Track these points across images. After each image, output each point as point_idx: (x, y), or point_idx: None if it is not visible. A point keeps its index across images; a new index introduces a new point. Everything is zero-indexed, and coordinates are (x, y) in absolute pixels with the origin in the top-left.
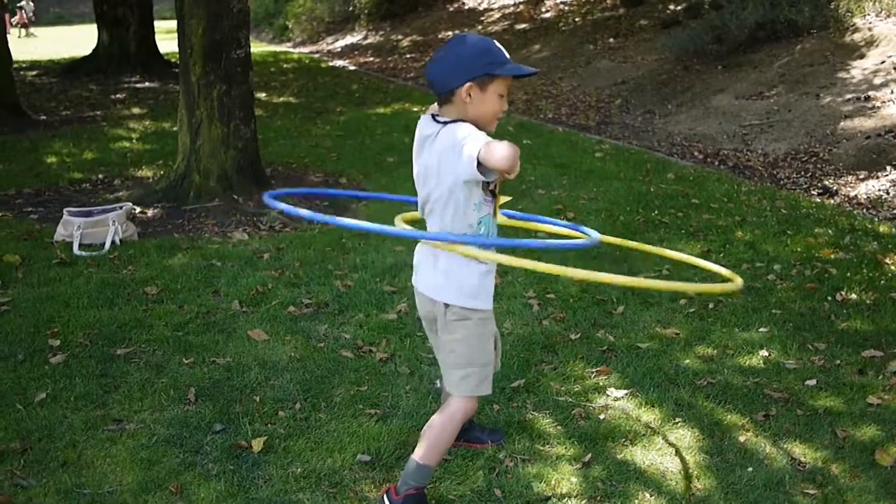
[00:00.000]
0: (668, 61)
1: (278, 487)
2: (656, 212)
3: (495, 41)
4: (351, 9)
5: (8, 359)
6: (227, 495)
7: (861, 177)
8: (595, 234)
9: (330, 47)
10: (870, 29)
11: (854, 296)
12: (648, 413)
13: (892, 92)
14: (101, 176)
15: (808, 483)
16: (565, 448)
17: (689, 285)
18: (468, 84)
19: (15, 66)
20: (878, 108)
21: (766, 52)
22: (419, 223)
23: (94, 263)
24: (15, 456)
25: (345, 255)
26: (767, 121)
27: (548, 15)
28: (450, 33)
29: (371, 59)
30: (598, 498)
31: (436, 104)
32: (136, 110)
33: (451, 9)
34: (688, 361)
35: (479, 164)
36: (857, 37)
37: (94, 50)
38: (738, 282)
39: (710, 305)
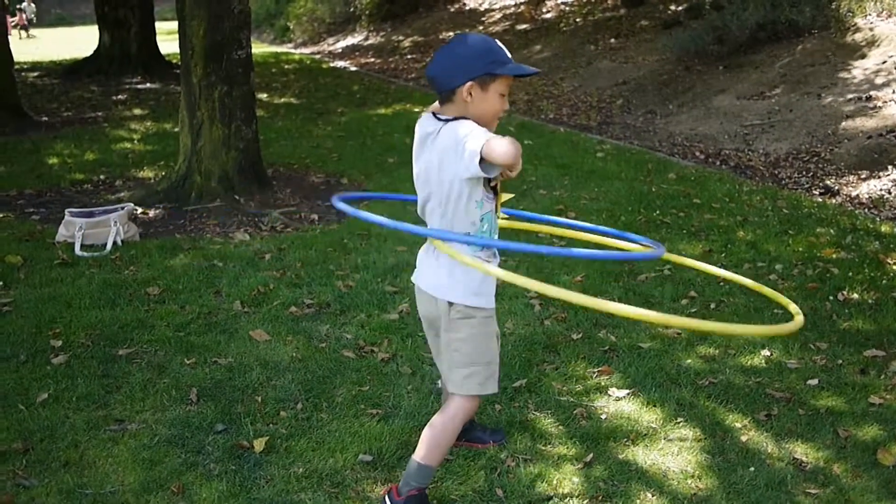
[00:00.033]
0: (669, 62)
1: (280, 487)
2: (658, 212)
3: (497, 41)
4: (352, 10)
5: (10, 359)
6: (228, 495)
7: (863, 176)
8: (661, 247)
9: (331, 48)
10: (871, 29)
11: (856, 295)
12: (650, 413)
13: (893, 92)
14: (102, 177)
15: (809, 483)
16: (567, 448)
17: (739, 327)
18: (469, 83)
19: (16, 67)
20: (880, 107)
21: (768, 52)
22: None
23: (96, 264)
24: (17, 456)
25: (346, 256)
26: (769, 121)
27: (549, 15)
28: (451, 34)
29: (372, 59)
30: (600, 498)
31: (437, 103)
32: (137, 111)
33: (452, 9)
34: (689, 361)
35: (482, 161)
36: (858, 37)
37: (95, 51)
38: (799, 319)
39: (712, 305)
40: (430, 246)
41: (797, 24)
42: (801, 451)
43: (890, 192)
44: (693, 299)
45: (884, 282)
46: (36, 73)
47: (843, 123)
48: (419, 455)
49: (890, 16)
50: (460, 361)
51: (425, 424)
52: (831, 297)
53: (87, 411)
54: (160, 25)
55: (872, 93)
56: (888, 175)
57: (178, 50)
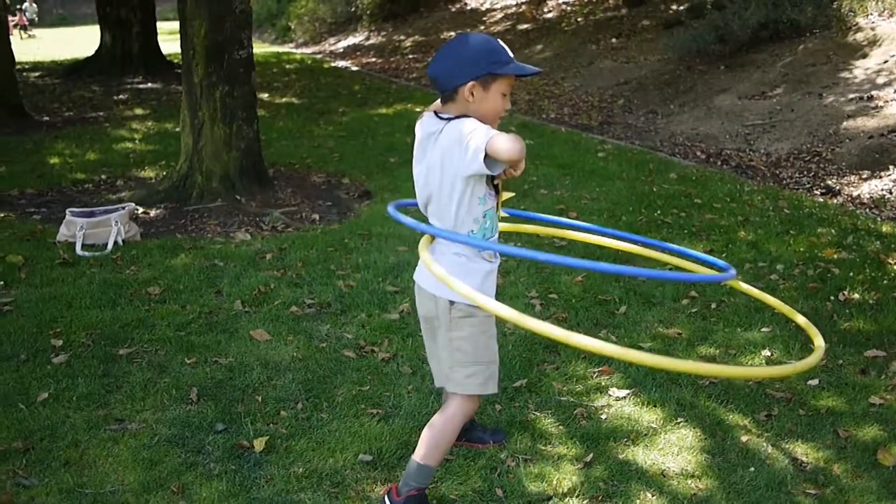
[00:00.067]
0: (670, 61)
1: (280, 487)
2: (659, 212)
3: (498, 40)
4: (353, 9)
5: (11, 359)
6: (228, 495)
7: (864, 176)
8: (731, 270)
9: (332, 48)
10: (872, 28)
11: (857, 296)
12: (650, 413)
13: (894, 91)
14: (103, 176)
15: (809, 483)
16: (567, 448)
17: (757, 370)
18: (471, 83)
19: (18, 67)
20: (881, 107)
21: (769, 51)
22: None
23: (97, 264)
24: (17, 455)
25: (347, 256)
26: (770, 120)
27: (550, 15)
28: (452, 34)
29: (373, 59)
30: (600, 498)
31: (438, 102)
32: (138, 111)
33: (454, 9)
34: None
35: (486, 158)
36: (859, 36)
37: (96, 51)
38: (817, 355)
39: (713, 305)
40: (432, 245)
41: (799, 23)
42: (802, 452)
43: (891, 192)
44: (693, 299)
45: (884, 282)
46: (37, 73)
47: (845, 123)
48: (419, 455)
49: (891, 15)
50: (462, 360)
51: (425, 424)
52: (832, 298)
53: (87, 411)
54: (161, 25)
55: (874, 92)
56: (889, 175)
57: (179, 50)
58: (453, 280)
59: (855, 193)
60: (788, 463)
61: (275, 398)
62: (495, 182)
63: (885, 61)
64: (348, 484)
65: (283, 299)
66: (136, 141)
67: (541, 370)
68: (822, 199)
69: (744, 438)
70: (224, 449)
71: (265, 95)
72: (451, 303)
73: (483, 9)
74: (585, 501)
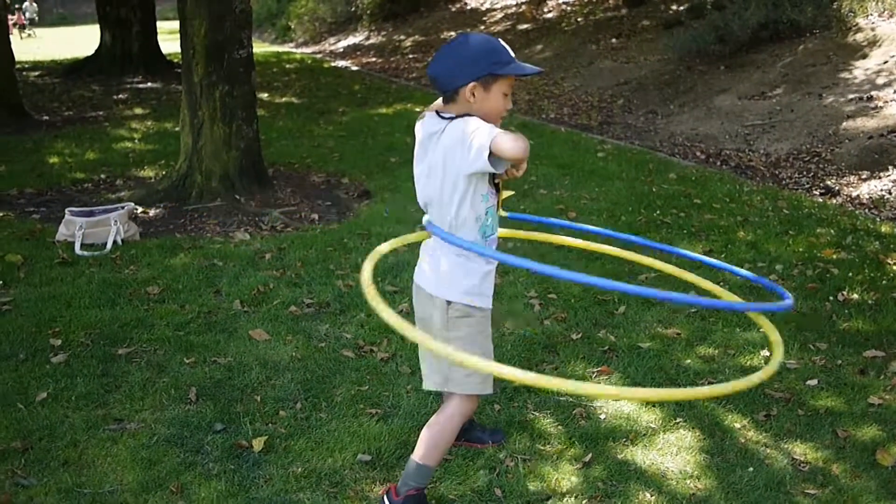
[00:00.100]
0: (670, 61)
1: (279, 487)
2: (658, 212)
3: (499, 40)
4: (353, 9)
5: (9, 358)
6: (227, 495)
7: (863, 177)
8: (788, 298)
9: (332, 48)
10: (872, 29)
11: (856, 296)
12: (649, 413)
13: (894, 92)
14: (103, 176)
15: (808, 483)
16: (566, 448)
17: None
18: (472, 84)
19: (17, 66)
20: (881, 108)
21: (769, 52)
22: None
23: (96, 263)
24: (16, 455)
25: (346, 255)
26: (770, 121)
27: (550, 15)
28: (452, 33)
29: (373, 59)
30: (599, 498)
31: (438, 101)
32: (138, 111)
33: (454, 9)
34: (689, 361)
35: (490, 156)
36: (859, 37)
37: (96, 50)
38: (774, 365)
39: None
40: (431, 244)
41: (799, 23)
42: (800, 452)
43: (890, 193)
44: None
45: (884, 282)
46: (37, 73)
47: (844, 124)
48: (418, 455)
49: (891, 16)
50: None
51: (424, 424)
52: (831, 298)
53: (86, 410)
54: (161, 25)
55: (873, 93)
56: (889, 175)
57: (179, 49)
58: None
59: (854, 194)
60: (787, 463)
61: (274, 398)
62: (496, 181)
63: (885, 62)
64: (347, 484)
65: (283, 299)
66: (136, 140)
67: (540, 370)
68: (821, 200)
69: (742, 438)
70: (223, 449)
71: (265, 95)
72: (449, 302)
73: (483, 9)
74: (584, 501)
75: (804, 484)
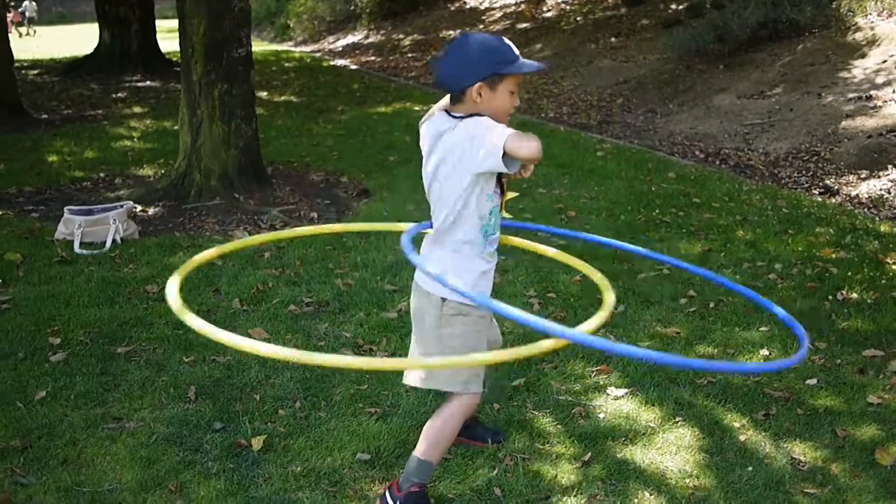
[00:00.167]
0: (669, 61)
1: (278, 486)
2: (657, 211)
3: (503, 38)
4: (352, 8)
5: (8, 357)
6: (226, 494)
7: (862, 176)
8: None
9: (331, 46)
10: (871, 28)
11: (855, 295)
12: (648, 412)
13: (893, 91)
14: (102, 174)
15: (807, 482)
16: (565, 447)
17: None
18: (478, 84)
19: (16, 65)
20: (880, 107)
21: (768, 51)
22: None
23: (95, 262)
24: (15, 454)
25: (345, 254)
26: (769, 120)
27: (549, 14)
28: (451, 32)
29: (372, 58)
30: (598, 497)
31: (444, 100)
32: (137, 109)
33: (453, 8)
34: None
35: (504, 156)
36: (858, 36)
37: (95, 49)
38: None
39: (711, 305)
40: (431, 241)
41: (798, 23)
42: (800, 451)
43: (889, 192)
44: (692, 298)
45: (883, 281)
46: (36, 71)
47: (843, 123)
48: (419, 451)
49: (890, 15)
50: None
51: (423, 423)
52: (830, 297)
53: (85, 409)
54: (160, 23)
55: (873, 92)
56: (888, 175)
57: (178, 48)
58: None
59: (853, 193)
60: (786, 462)
61: (273, 397)
62: (503, 180)
63: (884, 61)
64: (346, 483)
65: (282, 298)
66: (135, 139)
67: (539, 369)
68: (820, 199)
69: (742, 438)
70: (222, 447)
71: (264, 94)
72: (443, 300)
73: (482, 7)
74: (583, 500)
75: (803, 483)
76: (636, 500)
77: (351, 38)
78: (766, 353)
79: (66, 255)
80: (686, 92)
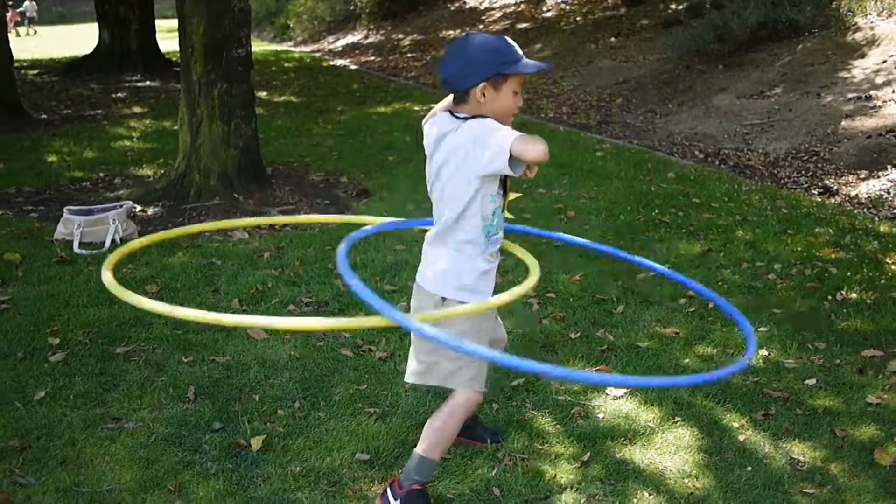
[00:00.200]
0: (669, 61)
1: (277, 486)
2: (657, 211)
3: (507, 38)
4: (352, 8)
5: (7, 357)
6: (225, 494)
7: (862, 176)
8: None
9: (331, 46)
10: (871, 28)
11: (854, 295)
12: (647, 412)
13: (893, 91)
14: (101, 174)
15: (806, 482)
16: (564, 447)
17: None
18: (482, 84)
19: (16, 64)
20: (880, 107)
21: (768, 51)
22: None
23: (95, 262)
24: (14, 454)
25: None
26: (768, 120)
27: (549, 14)
28: (451, 32)
29: (372, 58)
30: (597, 497)
31: (446, 100)
32: (136, 109)
33: (452, 8)
34: (687, 360)
35: (510, 158)
36: (858, 36)
37: (95, 49)
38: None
39: (710, 305)
40: (431, 240)
41: (797, 23)
42: (799, 451)
43: (889, 192)
44: (691, 298)
45: (882, 282)
46: (35, 71)
47: (843, 123)
48: (421, 448)
49: (890, 15)
50: (450, 355)
51: (423, 423)
52: (829, 297)
53: (84, 409)
54: (160, 23)
55: (872, 92)
56: (887, 175)
57: (178, 48)
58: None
59: (853, 193)
60: (785, 462)
61: (272, 397)
62: (506, 181)
63: (884, 61)
64: (345, 483)
65: (281, 298)
66: (134, 139)
67: None
68: (819, 199)
69: (741, 438)
70: (221, 448)
71: (263, 94)
72: (444, 299)
73: (482, 7)
74: (583, 500)
75: (802, 483)
76: (635, 500)
77: (350, 38)
78: (766, 353)
79: (65, 255)
80: (685, 92)
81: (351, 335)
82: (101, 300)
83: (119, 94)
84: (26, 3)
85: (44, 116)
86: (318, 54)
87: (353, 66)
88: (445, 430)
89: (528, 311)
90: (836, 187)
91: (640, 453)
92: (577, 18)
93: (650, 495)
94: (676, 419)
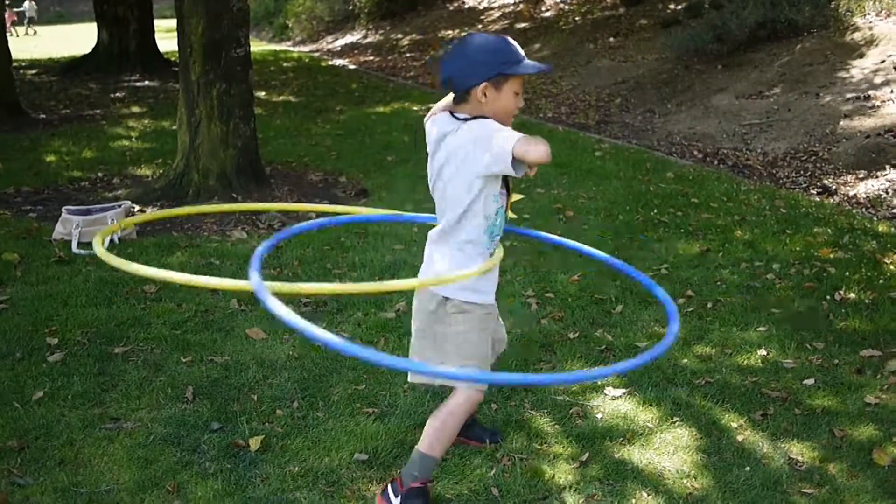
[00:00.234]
0: (668, 60)
1: (275, 486)
2: (655, 211)
3: (509, 38)
4: (351, 8)
5: (6, 357)
6: (224, 494)
7: (860, 176)
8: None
9: (330, 46)
10: (870, 28)
11: (853, 295)
12: (646, 412)
13: (891, 91)
14: (100, 174)
15: (805, 482)
16: (563, 447)
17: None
18: (483, 84)
19: (14, 64)
20: (878, 107)
21: (767, 51)
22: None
23: (93, 262)
24: (12, 454)
25: (343, 254)
26: (767, 120)
27: (548, 14)
28: (450, 32)
29: (371, 57)
30: (596, 497)
31: (446, 99)
32: (135, 109)
33: (451, 8)
34: (686, 361)
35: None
36: (857, 36)
37: (93, 48)
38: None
39: (709, 305)
40: (434, 239)
41: (796, 23)
42: (797, 451)
43: (887, 192)
44: (690, 298)
45: (881, 281)
46: (34, 71)
47: (842, 123)
48: (422, 445)
49: (889, 15)
50: (454, 354)
51: (421, 423)
52: (828, 297)
53: (82, 409)
54: (159, 23)
55: (871, 92)
56: (886, 175)
57: (176, 48)
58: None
59: (851, 193)
60: (784, 462)
61: (270, 397)
62: (508, 181)
63: (883, 61)
64: (344, 483)
65: (279, 298)
66: (133, 139)
67: (537, 369)
68: (818, 199)
69: (739, 438)
70: (219, 448)
71: (262, 93)
72: (446, 299)
73: (481, 7)
74: (581, 500)
75: (801, 483)
76: (634, 501)
77: (349, 38)
78: (765, 353)
79: (63, 255)
80: (684, 92)
81: (350, 335)
82: (99, 300)
83: (118, 94)
84: (26, 3)
85: (42, 116)
86: (316, 54)
87: (352, 66)
88: (446, 429)
89: (527, 311)
90: (834, 187)
91: (639, 453)
92: (576, 18)
93: (649, 495)
94: (675, 419)
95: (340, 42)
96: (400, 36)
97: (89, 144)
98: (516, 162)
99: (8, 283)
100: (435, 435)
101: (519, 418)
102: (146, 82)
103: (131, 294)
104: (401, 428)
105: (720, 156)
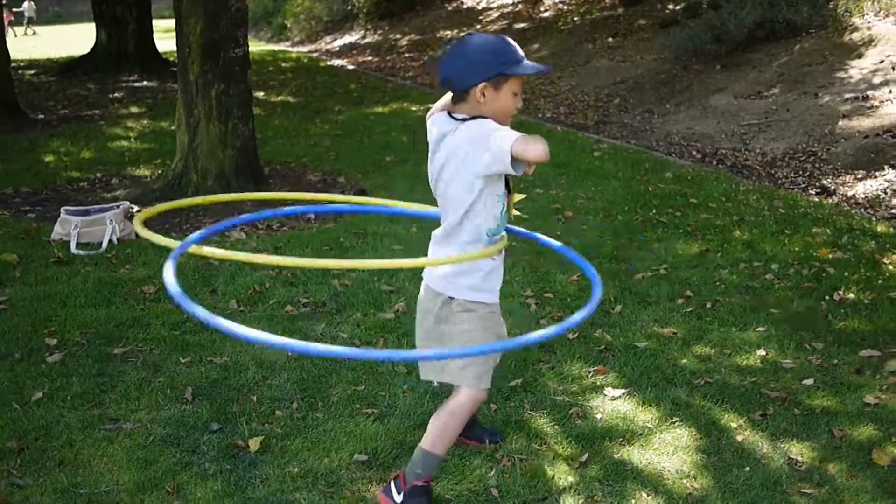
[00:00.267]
0: (666, 61)
1: (275, 487)
2: (654, 211)
3: (508, 39)
4: (349, 8)
5: (5, 358)
6: (223, 495)
7: (859, 176)
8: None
9: (328, 46)
10: (868, 28)
11: (851, 295)
12: (645, 412)
13: (890, 91)
14: (98, 175)
15: (804, 482)
16: (562, 447)
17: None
18: (482, 84)
19: (13, 64)
20: (877, 107)
21: (765, 51)
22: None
23: (92, 262)
24: (12, 455)
25: (342, 255)
26: (766, 120)
27: (546, 14)
28: (448, 32)
29: (369, 58)
30: (596, 497)
31: (444, 99)
32: (134, 109)
33: (450, 8)
34: (685, 361)
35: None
36: (855, 36)
37: (92, 49)
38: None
39: (708, 305)
40: (437, 239)
41: (795, 23)
42: (797, 451)
43: (886, 192)
44: (689, 298)
45: (879, 282)
46: (33, 71)
47: (840, 123)
48: (426, 443)
49: (887, 15)
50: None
51: (421, 424)
52: (827, 297)
53: (82, 410)
54: (157, 23)
55: (869, 92)
56: (884, 175)
57: (175, 48)
58: None
59: (850, 193)
60: (783, 462)
61: (270, 398)
62: (509, 181)
63: (881, 61)
64: (343, 484)
65: (279, 298)
66: (132, 139)
67: (536, 369)
68: (817, 199)
69: (739, 438)
70: (219, 449)
71: (261, 94)
72: (451, 298)
73: (479, 7)
74: (581, 501)
75: (800, 483)
76: (634, 501)
77: (348, 39)
78: (764, 353)
79: (62, 256)
80: (683, 92)
81: (349, 336)
82: (98, 301)
83: (116, 95)
84: (25, 3)
85: (41, 117)
86: (315, 54)
87: (351, 67)
88: (450, 425)
89: (526, 312)
90: (833, 187)
91: (639, 454)
92: (575, 18)
93: (648, 496)
94: (674, 419)
95: (339, 42)
96: (398, 36)
97: (88, 145)
98: (515, 161)
99: (7, 284)
100: (438, 432)
101: (518, 419)
102: (145, 82)
103: (130, 295)
104: (400, 429)
105: (719, 156)
